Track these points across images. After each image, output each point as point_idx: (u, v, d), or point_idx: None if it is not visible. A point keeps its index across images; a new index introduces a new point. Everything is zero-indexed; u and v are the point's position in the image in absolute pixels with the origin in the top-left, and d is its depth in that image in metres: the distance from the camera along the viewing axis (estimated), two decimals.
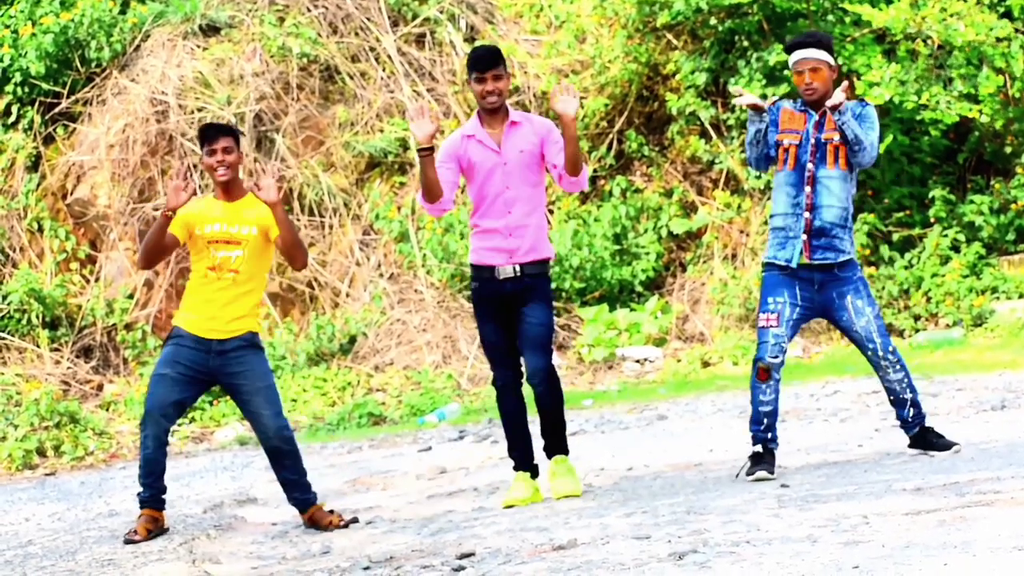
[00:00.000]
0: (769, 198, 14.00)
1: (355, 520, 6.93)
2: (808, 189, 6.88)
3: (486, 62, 6.83)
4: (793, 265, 6.90)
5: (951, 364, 11.21)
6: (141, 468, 6.94)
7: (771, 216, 7.02)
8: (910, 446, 7.22)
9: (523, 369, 6.94)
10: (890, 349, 7.00)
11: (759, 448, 6.93)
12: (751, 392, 6.98)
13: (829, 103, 6.85)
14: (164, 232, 6.84)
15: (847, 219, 6.94)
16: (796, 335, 7.17)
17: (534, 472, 7.01)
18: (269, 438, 6.92)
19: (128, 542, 6.83)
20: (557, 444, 6.97)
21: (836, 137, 6.88)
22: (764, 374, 6.90)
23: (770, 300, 6.92)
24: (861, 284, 7.00)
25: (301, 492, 6.99)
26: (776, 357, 6.90)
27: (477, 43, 15.29)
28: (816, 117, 6.95)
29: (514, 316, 6.89)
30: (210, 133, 6.90)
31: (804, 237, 6.88)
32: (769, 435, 6.94)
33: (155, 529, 6.91)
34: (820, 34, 7.22)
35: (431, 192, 6.81)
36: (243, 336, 6.91)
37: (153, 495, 6.94)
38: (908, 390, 7.08)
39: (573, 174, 6.81)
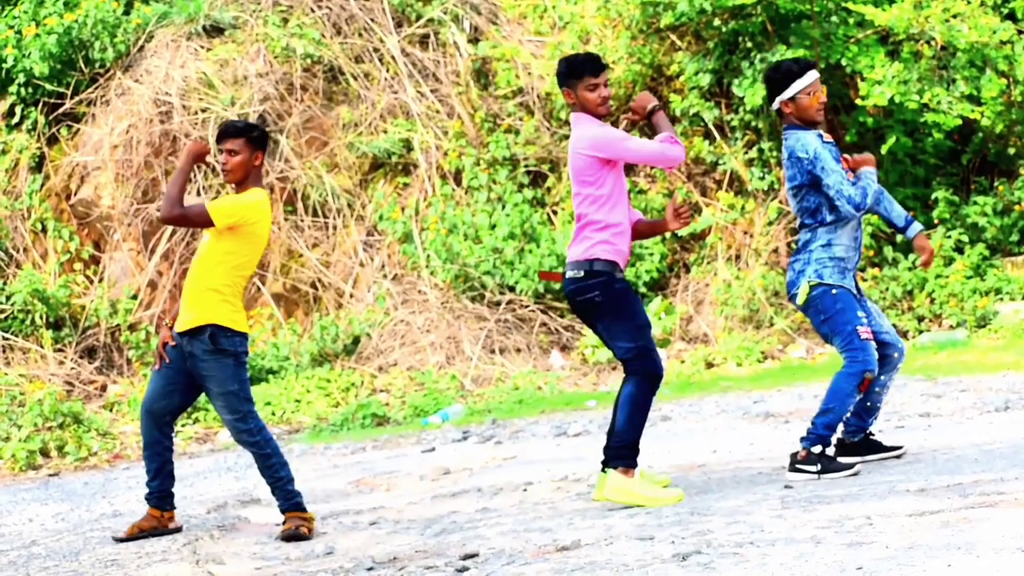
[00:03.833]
0: (774, 199, 14.07)
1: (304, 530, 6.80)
2: (860, 227, 7.03)
3: (599, 65, 6.45)
4: (855, 292, 6.96)
5: (955, 365, 11.20)
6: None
7: (828, 245, 6.88)
8: (847, 454, 7.12)
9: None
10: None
11: (821, 448, 6.84)
12: (842, 399, 6.82)
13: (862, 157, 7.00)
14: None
15: None
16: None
17: None
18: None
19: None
20: None
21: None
22: (868, 384, 6.89)
23: (860, 314, 6.87)
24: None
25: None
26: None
27: (481, 44, 15.30)
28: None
29: None
30: (217, 133, 6.86)
31: (855, 271, 7.04)
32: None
33: None
34: None
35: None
36: None
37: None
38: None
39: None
